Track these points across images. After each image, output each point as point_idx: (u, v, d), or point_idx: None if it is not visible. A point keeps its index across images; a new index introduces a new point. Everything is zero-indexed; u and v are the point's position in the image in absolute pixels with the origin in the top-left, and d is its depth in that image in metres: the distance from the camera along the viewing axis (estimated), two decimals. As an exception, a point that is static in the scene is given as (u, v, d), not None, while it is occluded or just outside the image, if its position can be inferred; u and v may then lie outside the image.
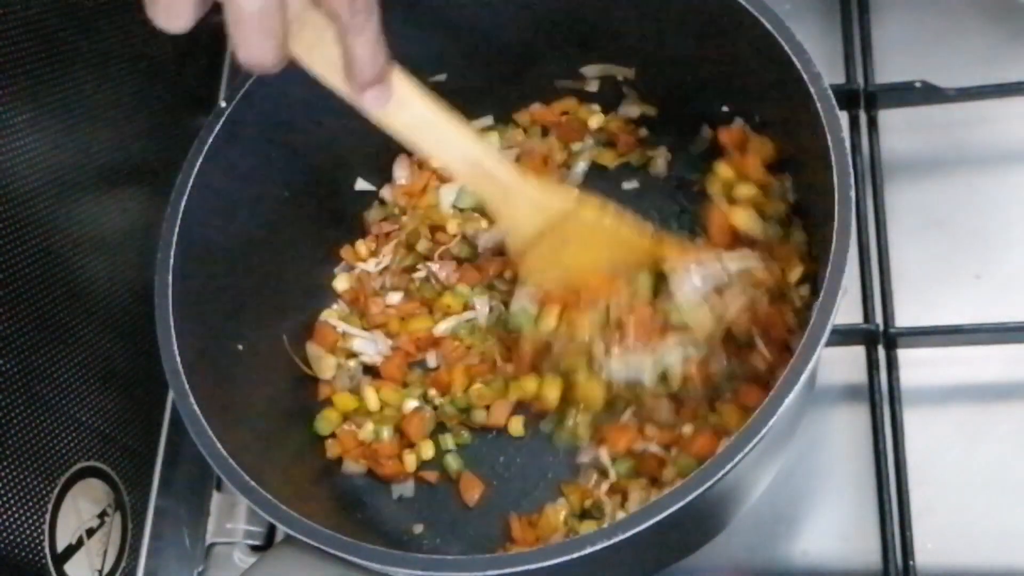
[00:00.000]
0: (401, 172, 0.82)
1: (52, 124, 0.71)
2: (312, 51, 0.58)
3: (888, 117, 0.78)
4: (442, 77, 0.78)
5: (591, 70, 0.78)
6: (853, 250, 0.57)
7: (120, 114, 0.78)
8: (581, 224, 0.67)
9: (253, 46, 0.55)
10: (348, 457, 0.75)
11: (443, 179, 0.82)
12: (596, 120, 0.80)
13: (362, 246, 0.81)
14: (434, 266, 0.78)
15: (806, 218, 0.70)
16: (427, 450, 0.75)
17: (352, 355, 0.78)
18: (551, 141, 0.81)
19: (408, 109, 0.62)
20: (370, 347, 0.78)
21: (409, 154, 0.82)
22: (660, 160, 0.79)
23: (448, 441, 0.76)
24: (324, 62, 0.58)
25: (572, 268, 0.69)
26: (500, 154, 0.65)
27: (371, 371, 0.79)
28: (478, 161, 0.64)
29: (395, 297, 0.79)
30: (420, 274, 0.79)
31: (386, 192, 0.83)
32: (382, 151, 0.82)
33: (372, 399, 0.76)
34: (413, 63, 0.75)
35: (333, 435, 0.76)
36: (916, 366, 0.72)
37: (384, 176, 0.83)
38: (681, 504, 0.53)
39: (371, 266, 0.81)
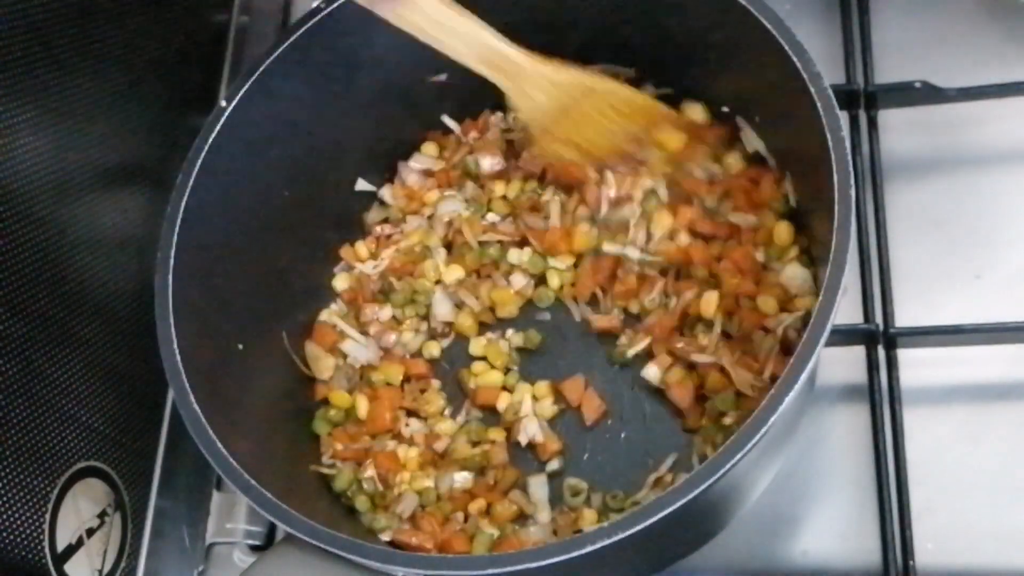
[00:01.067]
0: (408, 175, 0.83)
1: (52, 124, 0.71)
2: None
3: (888, 117, 0.78)
4: (442, 77, 0.78)
5: (591, 70, 0.78)
6: (853, 250, 0.57)
7: (121, 114, 0.78)
8: (595, 96, 0.72)
9: None
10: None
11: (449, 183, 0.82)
12: None
13: (362, 247, 0.81)
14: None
15: (806, 218, 0.70)
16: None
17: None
18: None
19: (421, 10, 0.67)
20: (360, 352, 0.78)
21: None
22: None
23: None
24: None
25: (588, 139, 0.73)
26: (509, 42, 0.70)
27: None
28: (491, 47, 0.69)
29: (386, 313, 0.79)
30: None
31: (386, 193, 0.83)
32: (382, 152, 0.82)
33: (362, 407, 0.76)
34: (413, 63, 0.76)
35: (330, 434, 0.76)
36: (916, 366, 0.72)
37: (384, 177, 0.83)
38: (681, 503, 0.53)
39: (369, 268, 0.81)
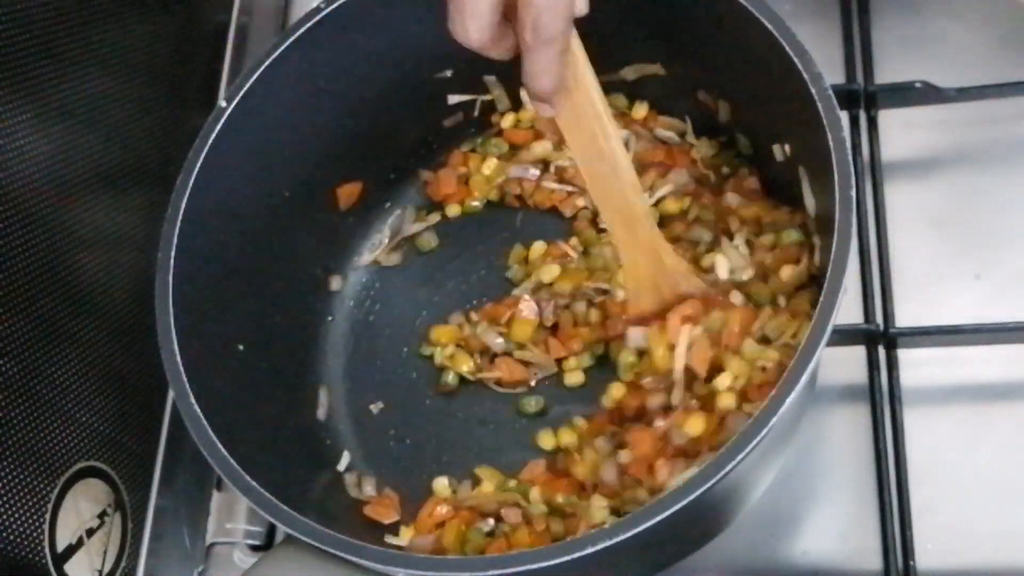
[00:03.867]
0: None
1: (52, 124, 0.71)
2: None
3: (888, 117, 0.78)
4: (447, 74, 0.78)
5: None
6: (853, 250, 0.57)
7: (120, 114, 0.78)
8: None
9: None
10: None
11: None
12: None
13: None
14: None
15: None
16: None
17: None
18: None
19: (592, 139, 0.61)
20: None
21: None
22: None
23: None
24: None
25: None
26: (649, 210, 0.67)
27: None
28: (632, 207, 0.65)
29: None
30: None
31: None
32: (384, 151, 0.82)
33: None
34: (414, 62, 0.76)
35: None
36: (916, 366, 0.72)
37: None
38: (681, 504, 0.53)
39: None
